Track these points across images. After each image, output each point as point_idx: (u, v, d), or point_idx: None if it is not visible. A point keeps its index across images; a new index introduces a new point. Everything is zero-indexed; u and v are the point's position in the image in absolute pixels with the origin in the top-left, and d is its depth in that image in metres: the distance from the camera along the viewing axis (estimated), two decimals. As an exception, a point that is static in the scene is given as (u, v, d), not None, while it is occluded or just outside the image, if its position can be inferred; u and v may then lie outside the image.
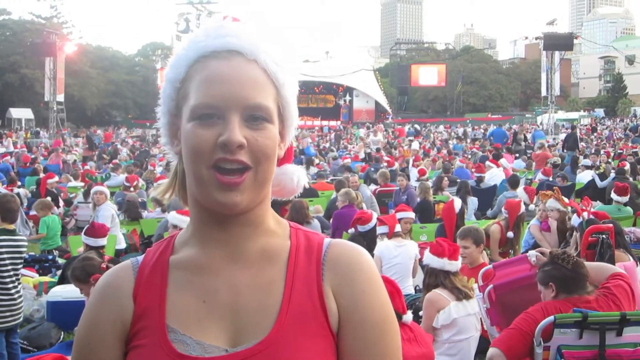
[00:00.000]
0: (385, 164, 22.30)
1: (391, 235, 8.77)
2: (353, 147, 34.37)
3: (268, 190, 1.64)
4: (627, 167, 18.64)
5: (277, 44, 1.64)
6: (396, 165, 21.66)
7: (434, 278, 6.27)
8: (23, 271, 9.91)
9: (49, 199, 14.61)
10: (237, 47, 1.56)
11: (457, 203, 10.21)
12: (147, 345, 1.56)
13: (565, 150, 29.07)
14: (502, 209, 10.60)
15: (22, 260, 7.58)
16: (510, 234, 9.91)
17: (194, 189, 1.58)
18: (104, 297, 1.64)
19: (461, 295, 6.14)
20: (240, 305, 1.58)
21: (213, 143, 1.50)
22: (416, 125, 64.37)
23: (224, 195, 1.51)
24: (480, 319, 6.28)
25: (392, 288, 5.15)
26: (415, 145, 33.96)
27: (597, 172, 17.62)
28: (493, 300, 5.77)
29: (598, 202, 13.83)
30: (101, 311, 1.63)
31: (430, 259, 6.30)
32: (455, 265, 6.33)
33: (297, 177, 1.81)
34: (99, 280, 1.70)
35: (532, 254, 5.59)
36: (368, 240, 9.30)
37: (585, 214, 8.64)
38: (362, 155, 29.57)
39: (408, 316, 5.19)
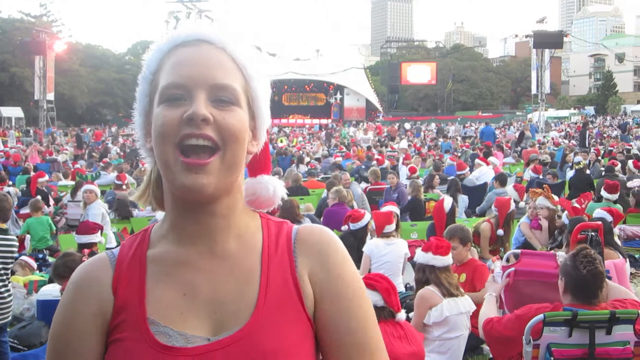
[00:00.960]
0: (380, 158, 22.36)
1: (380, 233, 8.77)
2: (342, 147, 34.27)
3: (238, 179, 1.64)
4: (618, 166, 18.68)
5: (246, 42, 1.66)
6: (386, 163, 21.67)
7: (422, 273, 6.30)
8: (26, 258, 10.00)
9: (39, 197, 14.58)
10: (206, 37, 1.60)
11: (448, 202, 10.21)
12: (129, 338, 1.56)
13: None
14: (492, 207, 10.63)
15: (13, 260, 7.55)
16: (500, 232, 9.93)
17: (163, 175, 1.59)
18: (82, 289, 1.63)
19: (447, 292, 6.16)
20: (219, 296, 1.59)
21: (179, 120, 1.51)
22: (406, 124, 64.46)
23: (188, 178, 1.50)
24: (470, 317, 6.30)
25: (388, 284, 5.17)
26: (404, 143, 33.99)
27: (577, 167, 17.61)
28: (509, 284, 5.78)
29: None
30: (80, 303, 1.62)
31: (418, 255, 6.36)
32: (440, 260, 6.34)
33: (274, 186, 1.79)
34: (75, 272, 1.68)
35: (562, 255, 5.58)
36: (358, 239, 9.32)
37: (566, 212, 8.69)
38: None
39: (401, 314, 5.19)
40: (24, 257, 10.19)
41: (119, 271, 1.64)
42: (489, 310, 5.56)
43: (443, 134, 44.96)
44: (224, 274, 1.62)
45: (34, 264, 10.66)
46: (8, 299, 7.34)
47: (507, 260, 6.07)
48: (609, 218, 8.09)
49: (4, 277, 7.30)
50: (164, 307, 1.58)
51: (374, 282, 5.17)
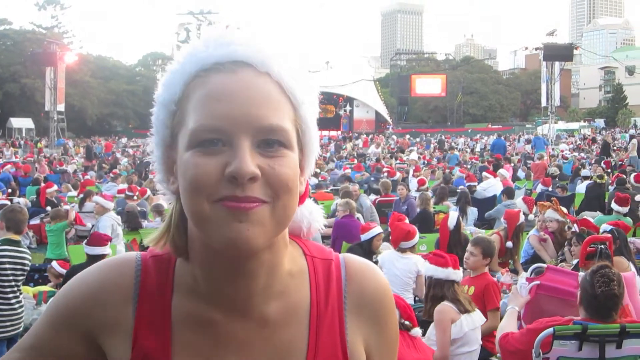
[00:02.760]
0: (389, 170, 22.35)
1: (396, 247, 8.71)
2: (353, 159, 34.29)
3: (286, 230, 1.40)
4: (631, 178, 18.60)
5: (292, 55, 1.35)
6: (397, 175, 21.66)
7: (439, 289, 6.20)
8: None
9: (48, 208, 14.63)
10: (245, 57, 1.28)
11: (452, 218, 10.17)
12: None
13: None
14: (502, 219, 10.60)
15: (24, 272, 7.54)
16: (509, 244, 9.90)
17: (194, 230, 1.32)
18: (92, 308, 1.39)
19: (462, 308, 6.10)
20: None
21: (218, 175, 1.22)
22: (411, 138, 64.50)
23: (231, 229, 1.21)
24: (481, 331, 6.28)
25: (405, 304, 5.18)
26: (414, 155, 33.95)
27: (597, 180, 17.52)
28: (531, 297, 5.78)
29: (598, 212, 13.81)
30: (82, 318, 1.40)
31: (434, 270, 6.25)
32: (458, 274, 6.31)
33: (308, 223, 1.53)
34: (95, 275, 1.43)
35: (582, 275, 5.56)
36: (365, 250, 9.29)
37: (575, 225, 8.68)
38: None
39: (417, 330, 5.19)
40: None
41: (142, 307, 1.39)
42: (508, 325, 5.55)
43: (443, 147, 44.83)
44: (260, 344, 1.38)
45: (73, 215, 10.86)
46: (19, 310, 7.36)
47: (535, 272, 6.07)
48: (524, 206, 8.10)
49: (15, 289, 7.31)
50: None
51: (395, 297, 5.17)
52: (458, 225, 10.12)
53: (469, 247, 7.51)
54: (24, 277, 7.59)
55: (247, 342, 1.37)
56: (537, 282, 5.84)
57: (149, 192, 17.21)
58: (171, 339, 1.36)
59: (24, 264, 7.45)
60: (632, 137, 36.49)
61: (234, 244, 1.22)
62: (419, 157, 33.14)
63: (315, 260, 1.49)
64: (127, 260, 1.44)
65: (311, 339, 1.40)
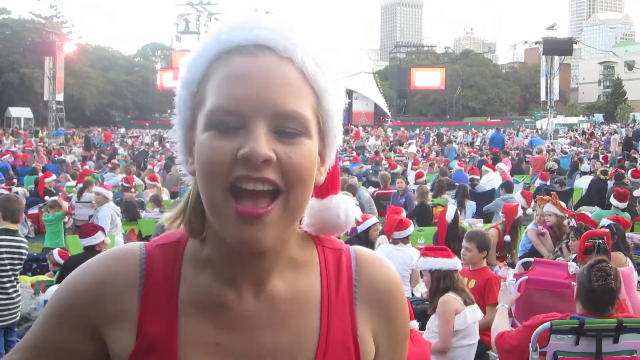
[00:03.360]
0: (387, 165, 22.33)
1: (390, 239, 8.72)
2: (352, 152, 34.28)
3: (298, 221, 1.38)
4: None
5: (317, 42, 1.32)
6: (398, 168, 21.65)
7: (449, 280, 6.19)
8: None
9: (46, 198, 14.64)
10: (268, 42, 1.25)
11: (450, 212, 10.16)
12: None
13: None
14: (500, 213, 10.60)
15: (22, 261, 7.55)
16: (507, 238, 9.90)
17: (209, 215, 1.30)
18: (99, 298, 1.37)
19: (468, 299, 6.12)
20: (265, 347, 1.36)
21: (232, 157, 1.20)
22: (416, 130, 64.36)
23: (242, 231, 1.22)
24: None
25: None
26: (413, 148, 33.94)
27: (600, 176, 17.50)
28: (521, 292, 5.79)
29: (596, 207, 13.81)
30: (88, 304, 1.36)
31: (443, 263, 6.23)
32: (460, 262, 6.39)
33: (345, 211, 1.50)
34: (97, 267, 1.41)
35: (574, 266, 5.56)
36: (363, 241, 9.29)
37: (573, 220, 8.68)
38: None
39: (414, 323, 5.20)
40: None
41: (146, 294, 1.37)
42: (502, 323, 5.55)
43: (442, 141, 44.78)
44: (271, 328, 1.37)
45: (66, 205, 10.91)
46: (16, 299, 7.38)
47: (523, 266, 6.08)
48: (522, 200, 8.10)
49: (13, 279, 7.33)
50: (193, 353, 1.34)
51: None
52: (456, 218, 10.10)
53: (464, 243, 7.53)
54: (22, 266, 7.61)
55: (258, 324, 1.36)
56: (526, 277, 5.85)
57: (136, 179, 17.27)
58: (178, 324, 1.35)
59: (21, 253, 7.46)
60: (614, 132, 36.56)
61: (245, 244, 1.24)
62: (417, 150, 33.14)
63: (326, 250, 1.48)
64: (131, 250, 1.42)
65: (323, 323, 1.39)
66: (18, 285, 7.49)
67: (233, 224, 1.22)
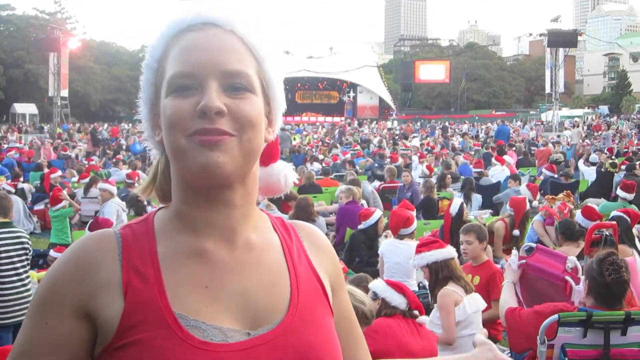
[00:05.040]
0: (392, 158, 22.34)
1: (395, 234, 8.72)
2: (356, 145, 34.29)
3: (254, 168, 1.53)
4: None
5: (255, 20, 1.54)
6: (400, 160, 21.64)
7: (447, 269, 6.20)
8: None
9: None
10: (213, 19, 1.50)
11: (455, 205, 10.16)
12: (157, 337, 1.36)
13: None
14: (507, 207, 10.57)
15: (26, 252, 7.55)
16: (516, 232, 9.87)
17: (174, 164, 1.48)
18: (80, 275, 1.42)
19: (468, 286, 6.13)
20: (248, 288, 1.49)
21: (191, 112, 1.40)
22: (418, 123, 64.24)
23: (204, 155, 1.38)
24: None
25: (411, 293, 5.24)
26: (416, 142, 33.93)
27: (609, 168, 17.43)
28: (523, 274, 5.81)
29: (602, 199, 13.80)
30: (74, 283, 1.41)
31: (438, 254, 6.23)
32: (454, 250, 6.42)
33: (284, 176, 1.79)
34: (78, 245, 1.48)
35: (572, 261, 5.54)
36: (368, 236, 9.30)
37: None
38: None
39: (424, 318, 5.23)
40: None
41: (127, 261, 1.45)
42: (510, 298, 5.58)
43: (447, 134, 44.72)
44: (250, 266, 1.52)
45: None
46: (26, 294, 7.39)
47: (525, 251, 6.06)
48: (528, 193, 8.10)
49: (21, 272, 7.36)
50: (186, 299, 1.42)
51: (403, 287, 5.34)
52: (460, 212, 10.10)
53: (463, 237, 7.53)
54: (27, 257, 7.59)
55: (239, 266, 1.51)
56: (523, 261, 5.86)
57: (141, 174, 17.28)
58: (163, 277, 1.44)
59: (22, 243, 7.47)
60: (575, 125, 36.45)
61: (207, 169, 1.39)
62: (421, 144, 33.11)
63: (272, 217, 1.70)
64: (106, 230, 1.54)
65: (289, 264, 1.59)
66: (28, 279, 7.51)
67: (196, 151, 1.39)
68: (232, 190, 1.48)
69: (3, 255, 7.27)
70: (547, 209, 10.69)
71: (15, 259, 7.35)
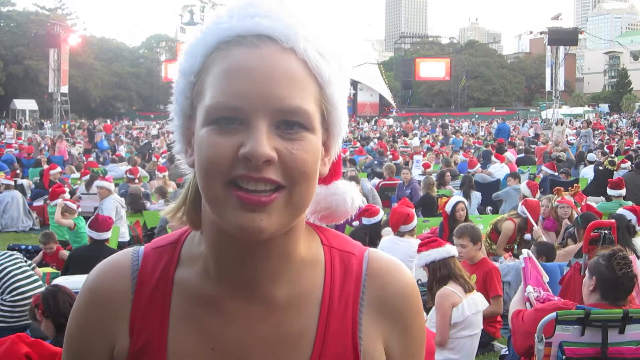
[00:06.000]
0: (391, 156, 22.32)
1: (396, 231, 8.71)
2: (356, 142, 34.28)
3: (304, 215, 1.32)
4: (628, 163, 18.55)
5: (321, 29, 1.27)
6: (400, 159, 21.63)
7: (445, 268, 6.19)
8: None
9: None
10: (269, 31, 1.20)
11: (450, 203, 10.16)
12: None
13: None
14: (519, 209, 10.42)
15: (22, 260, 7.87)
16: (528, 236, 9.75)
17: (208, 207, 1.26)
18: (95, 314, 1.38)
19: (468, 285, 6.12)
20: (255, 356, 1.31)
21: (233, 155, 1.16)
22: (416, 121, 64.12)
23: (244, 218, 1.17)
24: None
25: None
26: (416, 141, 33.93)
27: (609, 166, 17.41)
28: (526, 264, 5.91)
29: (602, 197, 13.79)
30: (91, 330, 1.38)
31: (436, 253, 6.23)
32: (454, 248, 6.45)
33: (351, 197, 1.47)
34: (91, 282, 1.40)
35: (530, 291, 5.61)
36: (371, 234, 9.27)
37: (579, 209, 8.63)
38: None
39: None
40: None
41: (138, 298, 1.35)
42: (518, 301, 5.68)
43: (446, 132, 44.72)
44: (268, 332, 1.32)
45: (75, 207, 11.12)
46: (35, 292, 7.55)
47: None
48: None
49: (27, 281, 7.61)
50: (185, 358, 1.32)
51: None
52: (454, 210, 10.08)
53: (456, 241, 7.50)
54: (26, 265, 7.81)
55: (252, 325, 1.31)
56: (526, 255, 5.99)
57: (140, 171, 17.32)
58: (168, 329, 1.33)
59: (15, 256, 7.81)
60: (560, 122, 36.31)
61: (247, 232, 1.18)
62: (421, 142, 33.12)
63: (333, 251, 1.41)
64: (124, 257, 1.41)
65: (320, 330, 1.33)
66: (37, 284, 7.68)
67: (234, 211, 1.18)
68: (269, 245, 1.27)
69: (5, 267, 7.53)
70: (564, 200, 10.67)
71: (17, 272, 7.55)
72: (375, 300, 1.37)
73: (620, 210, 8.39)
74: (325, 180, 1.41)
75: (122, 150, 30.09)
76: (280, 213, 1.19)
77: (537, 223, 10.00)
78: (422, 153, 24.58)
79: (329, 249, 1.41)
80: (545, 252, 8.41)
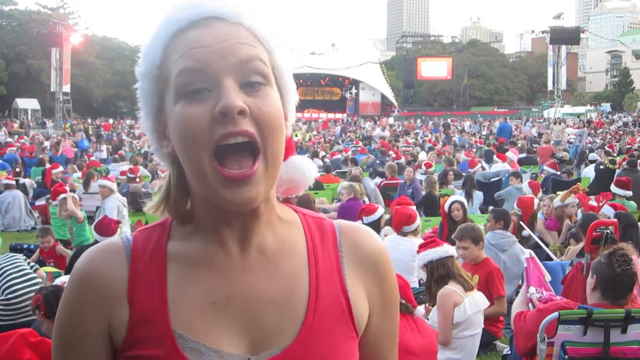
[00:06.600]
0: (394, 155, 22.31)
1: (398, 231, 8.70)
2: (358, 142, 34.33)
3: (278, 173, 1.41)
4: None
5: (260, 9, 1.40)
6: (402, 159, 21.64)
7: (443, 268, 6.18)
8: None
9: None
10: (217, 12, 1.34)
11: (447, 203, 10.17)
12: (154, 357, 1.33)
13: None
14: (515, 207, 10.48)
15: (22, 261, 7.93)
16: (525, 233, 9.77)
17: (195, 182, 1.34)
18: (89, 288, 1.39)
19: (467, 284, 6.11)
20: (258, 306, 1.38)
21: (209, 118, 1.26)
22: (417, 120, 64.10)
23: (233, 193, 1.27)
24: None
25: (402, 282, 5.16)
26: (423, 155, 34.00)
27: (602, 166, 17.42)
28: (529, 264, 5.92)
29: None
30: (86, 303, 1.39)
31: (433, 253, 6.24)
32: (453, 248, 6.45)
33: (307, 168, 1.60)
34: (83, 264, 1.42)
35: (532, 291, 5.61)
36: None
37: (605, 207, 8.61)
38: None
39: (420, 310, 5.20)
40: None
41: (134, 271, 1.39)
42: (521, 303, 5.68)
43: (448, 131, 44.70)
44: (264, 280, 1.40)
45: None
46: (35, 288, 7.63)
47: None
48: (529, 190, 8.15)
49: (26, 272, 7.62)
50: (189, 317, 1.36)
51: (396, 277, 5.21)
52: (449, 210, 10.07)
53: (458, 243, 7.48)
54: (26, 265, 7.86)
55: (249, 275, 1.40)
56: (528, 255, 5.99)
57: (142, 170, 17.32)
58: (168, 287, 1.38)
59: (15, 258, 7.93)
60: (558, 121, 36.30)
61: (238, 205, 1.30)
62: (423, 142, 33.15)
63: (307, 217, 1.55)
64: (112, 241, 1.46)
65: (312, 274, 1.44)
66: (36, 282, 7.70)
67: (223, 188, 1.28)
68: (256, 208, 1.37)
69: (3, 266, 7.63)
70: (579, 198, 10.70)
71: (14, 271, 7.60)
72: (352, 255, 1.50)
73: (606, 209, 8.40)
74: (284, 157, 1.47)
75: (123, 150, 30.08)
76: (263, 180, 1.31)
77: (528, 219, 10.03)
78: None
79: (302, 215, 1.54)
80: (503, 217, 9.00)
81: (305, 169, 1.60)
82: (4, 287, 7.45)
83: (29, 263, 7.96)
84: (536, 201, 12.15)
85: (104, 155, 28.43)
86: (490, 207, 14.38)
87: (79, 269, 1.41)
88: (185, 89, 1.29)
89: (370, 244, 1.53)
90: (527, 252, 6.33)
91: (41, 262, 9.92)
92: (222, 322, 1.36)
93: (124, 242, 1.44)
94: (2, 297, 7.42)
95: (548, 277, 6.08)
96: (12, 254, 8.15)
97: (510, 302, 6.89)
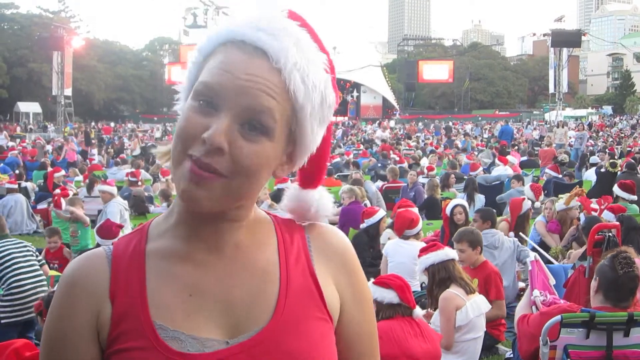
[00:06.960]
0: (397, 158, 22.31)
1: (400, 235, 8.70)
2: (359, 145, 34.32)
3: (249, 200, 1.49)
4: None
5: (318, 63, 1.42)
6: (405, 163, 21.66)
7: (444, 271, 6.19)
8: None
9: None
10: (266, 47, 1.36)
11: (449, 206, 10.16)
12: (137, 348, 1.40)
13: None
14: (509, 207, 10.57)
15: (32, 252, 7.94)
16: (511, 234, 9.78)
17: (171, 167, 1.42)
18: (76, 289, 1.46)
19: (469, 287, 6.11)
20: (233, 295, 1.46)
21: (198, 134, 1.32)
22: (420, 123, 64.09)
23: (188, 186, 1.34)
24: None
25: (401, 282, 5.15)
26: (425, 161, 34.06)
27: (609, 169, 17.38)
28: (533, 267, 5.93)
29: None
30: (74, 305, 1.45)
31: (434, 257, 6.24)
32: (454, 251, 6.46)
33: (316, 207, 1.62)
34: (69, 267, 1.51)
35: (536, 294, 5.60)
36: (370, 236, 9.27)
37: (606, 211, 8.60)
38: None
39: (418, 311, 5.18)
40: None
41: (115, 272, 1.47)
42: (525, 306, 5.67)
43: (450, 133, 44.70)
44: (236, 271, 1.48)
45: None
46: (39, 289, 7.57)
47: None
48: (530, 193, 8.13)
49: (32, 269, 7.66)
50: (167, 309, 1.43)
51: (388, 280, 5.19)
52: (452, 213, 10.07)
53: (456, 245, 7.47)
54: (35, 256, 7.84)
55: (226, 271, 1.48)
56: (533, 257, 5.98)
57: (143, 173, 17.32)
58: (147, 284, 1.45)
59: (25, 246, 7.87)
60: (561, 124, 36.28)
61: (189, 201, 1.36)
62: (424, 145, 33.17)
63: (277, 217, 1.63)
64: (96, 250, 1.54)
65: (282, 263, 1.52)
66: (41, 279, 7.78)
67: (184, 178, 1.35)
68: (222, 214, 1.44)
69: (13, 256, 7.55)
70: (581, 201, 10.69)
71: (22, 262, 7.54)
72: (320, 250, 1.59)
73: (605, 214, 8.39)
74: (304, 184, 1.63)
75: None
76: (220, 198, 1.35)
77: (516, 220, 10.05)
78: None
79: (272, 216, 1.63)
80: (489, 217, 9.19)
81: (312, 207, 1.63)
82: (9, 278, 7.45)
83: (37, 256, 7.96)
84: (537, 204, 12.18)
85: (96, 159, 28.37)
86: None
87: (65, 275, 1.50)
88: (198, 97, 1.36)
89: (336, 239, 1.62)
90: (532, 255, 6.32)
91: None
92: (199, 311, 1.44)
93: (106, 250, 1.52)
94: (7, 292, 7.40)
95: (552, 281, 6.08)
96: (20, 240, 8.09)
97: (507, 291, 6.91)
